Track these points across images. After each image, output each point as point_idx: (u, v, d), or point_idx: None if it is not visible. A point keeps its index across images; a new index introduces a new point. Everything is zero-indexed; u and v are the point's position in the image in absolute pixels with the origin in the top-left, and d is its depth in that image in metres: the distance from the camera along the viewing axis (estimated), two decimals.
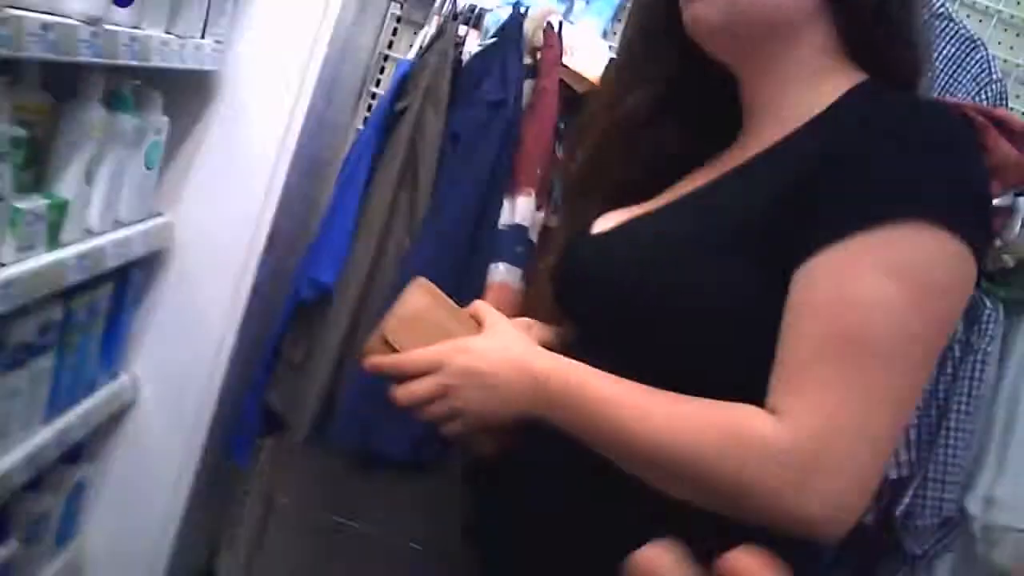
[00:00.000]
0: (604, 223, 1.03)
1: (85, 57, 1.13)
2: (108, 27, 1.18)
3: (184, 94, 1.62)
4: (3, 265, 1.16)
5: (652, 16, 1.03)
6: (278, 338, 1.74)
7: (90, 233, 1.40)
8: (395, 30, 2.18)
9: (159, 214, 1.65)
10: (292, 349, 1.72)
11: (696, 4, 0.92)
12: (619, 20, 2.22)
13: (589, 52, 1.76)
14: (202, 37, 1.53)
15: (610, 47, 2.12)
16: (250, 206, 1.68)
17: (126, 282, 1.62)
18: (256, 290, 1.72)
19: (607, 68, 1.11)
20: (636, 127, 1.05)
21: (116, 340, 1.64)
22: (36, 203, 1.20)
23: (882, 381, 0.78)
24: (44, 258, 1.23)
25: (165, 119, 1.55)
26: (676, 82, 1.03)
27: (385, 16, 2.16)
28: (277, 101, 1.65)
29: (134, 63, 1.27)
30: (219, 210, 1.68)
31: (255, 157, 1.66)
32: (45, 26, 1.03)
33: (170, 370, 1.72)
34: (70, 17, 1.10)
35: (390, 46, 2.17)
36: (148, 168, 1.53)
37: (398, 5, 2.14)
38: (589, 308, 0.97)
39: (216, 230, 1.69)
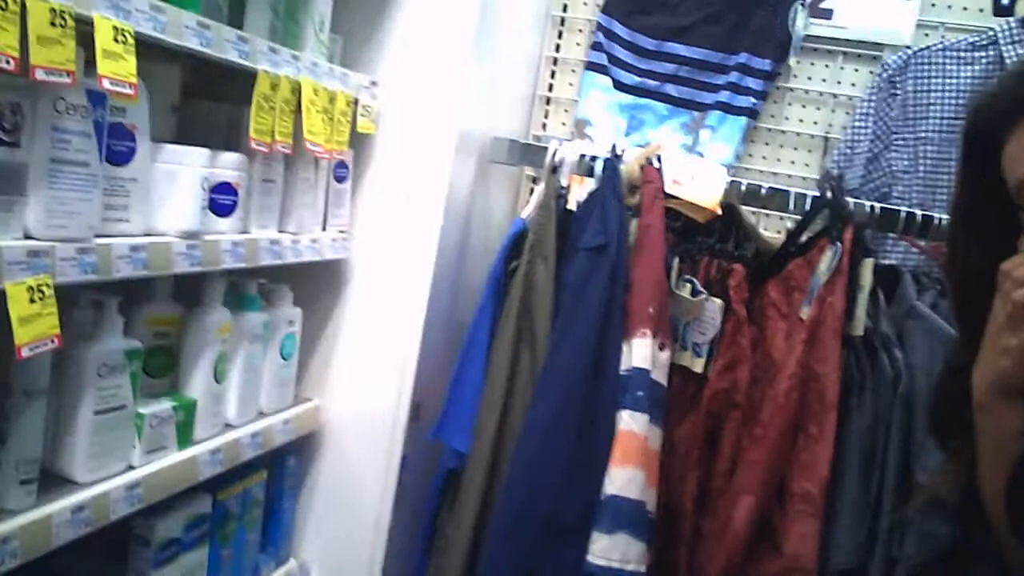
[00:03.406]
0: None
1: (182, 268, 1.23)
2: (208, 237, 1.29)
3: (318, 284, 1.74)
4: (132, 468, 1.25)
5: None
6: (432, 511, 1.73)
7: (229, 427, 1.49)
8: (532, 190, 2.23)
9: (307, 399, 1.73)
10: (448, 521, 1.70)
11: None
12: (751, 141, 2.16)
13: (705, 180, 1.70)
14: (323, 230, 1.64)
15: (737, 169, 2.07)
16: (390, 380, 1.73)
17: (281, 468, 1.69)
18: (405, 463, 1.75)
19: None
20: None
21: (278, 526, 1.70)
22: (160, 407, 1.30)
23: None
24: (174, 457, 1.32)
25: (298, 311, 1.65)
26: None
27: (520, 178, 2.23)
28: (402, 278, 1.71)
29: (240, 266, 1.37)
30: (362, 388, 1.75)
31: (389, 332, 1.72)
32: (135, 247, 1.14)
33: (332, 550, 1.76)
34: (166, 234, 1.22)
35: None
36: (285, 359, 1.62)
37: (531, 168, 2.19)
38: None
39: (362, 408, 1.75)
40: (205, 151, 1.28)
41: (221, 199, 1.33)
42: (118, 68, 1.03)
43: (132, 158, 1.16)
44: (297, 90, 1.44)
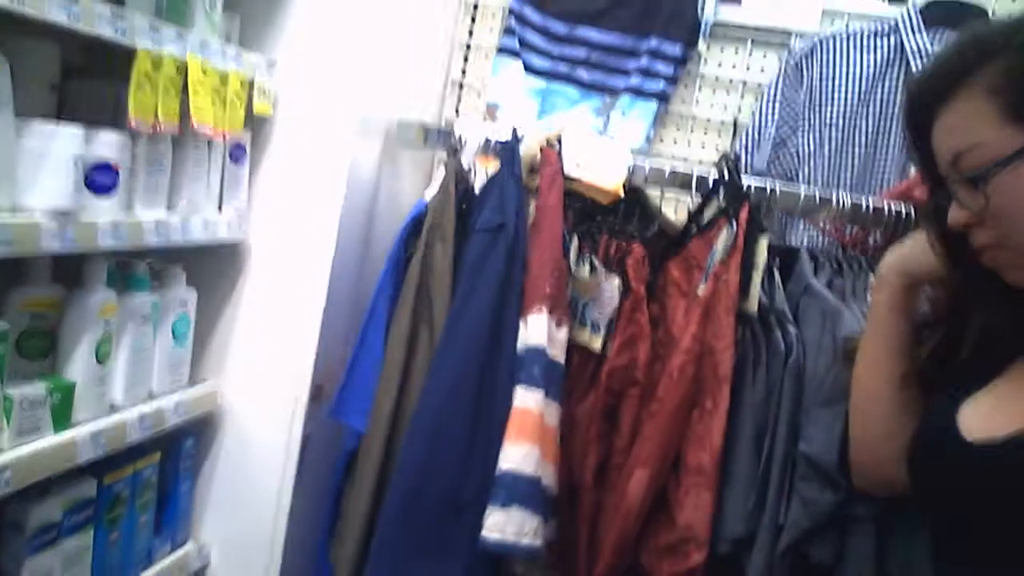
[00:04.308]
0: (977, 422, 1.01)
1: (52, 249, 1.21)
2: (83, 218, 1.27)
3: (216, 265, 1.72)
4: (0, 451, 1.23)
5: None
6: (336, 493, 1.73)
7: (115, 409, 1.47)
8: None
9: (203, 381, 1.72)
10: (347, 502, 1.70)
11: (1011, 274, 0.98)
12: (663, 126, 2.17)
13: (607, 163, 1.72)
14: (219, 211, 1.63)
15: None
16: (290, 361, 1.72)
17: (177, 450, 1.68)
18: (307, 443, 1.74)
19: None
20: None
21: (175, 509, 1.69)
22: (31, 389, 1.27)
23: None
24: (48, 441, 1.30)
25: (192, 292, 1.63)
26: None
27: (433, 163, 2.22)
28: (302, 260, 1.71)
29: (122, 246, 1.35)
30: (262, 369, 1.74)
31: (288, 313, 1.72)
32: None
33: (233, 532, 1.75)
34: (35, 212, 1.20)
35: None
36: (177, 339, 1.60)
37: (442, 152, 2.19)
38: (978, 508, 0.99)
39: (261, 389, 1.74)
40: (79, 129, 1.26)
41: (100, 178, 1.31)
42: None
43: None
44: (183, 69, 1.42)
